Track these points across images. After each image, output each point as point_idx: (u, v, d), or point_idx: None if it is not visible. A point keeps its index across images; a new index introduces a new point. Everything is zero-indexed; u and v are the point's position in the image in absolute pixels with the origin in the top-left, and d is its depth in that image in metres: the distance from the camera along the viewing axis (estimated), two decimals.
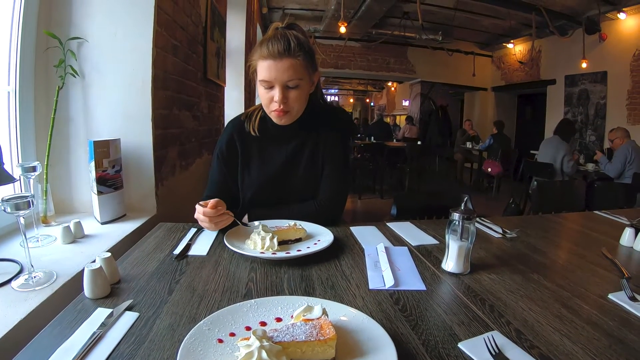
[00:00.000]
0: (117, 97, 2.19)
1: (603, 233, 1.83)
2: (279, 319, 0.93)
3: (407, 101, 14.72)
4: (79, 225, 1.78)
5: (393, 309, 1.03)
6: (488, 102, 13.20)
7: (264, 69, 1.54)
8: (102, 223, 2.00)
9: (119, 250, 1.49)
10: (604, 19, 8.28)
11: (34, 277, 1.30)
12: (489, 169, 8.51)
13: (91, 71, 2.14)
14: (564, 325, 0.97)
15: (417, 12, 6.77)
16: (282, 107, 1.56)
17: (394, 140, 11.30)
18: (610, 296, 1.13)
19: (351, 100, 27.48)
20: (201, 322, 0.87)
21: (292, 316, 0.91)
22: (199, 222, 1.50)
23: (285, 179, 1.77)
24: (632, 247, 1.62)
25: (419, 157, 8.79)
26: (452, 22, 9.73)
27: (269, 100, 1.59)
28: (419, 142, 9.78)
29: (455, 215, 1.25)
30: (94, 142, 1.92)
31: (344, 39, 10.69)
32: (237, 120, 1.79)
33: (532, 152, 9.72)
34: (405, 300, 1.08)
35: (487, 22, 10.12)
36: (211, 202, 1.45)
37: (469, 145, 10.33)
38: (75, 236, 1.74)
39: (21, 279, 1.29)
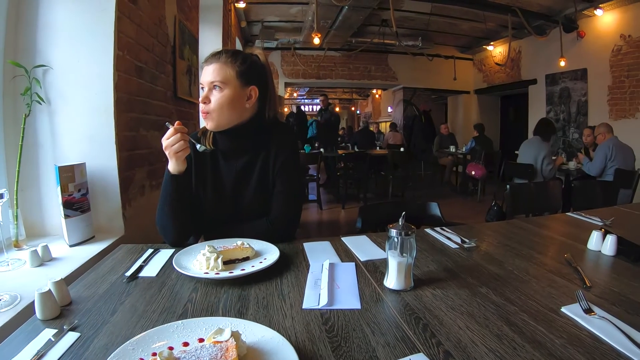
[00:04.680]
0: (81, 122, 2.22)
1: (571, 237, 1.81)
2: (201, 340, 0.94)
3: (392, 108, 14.74)
4: (46, 248, 1.81)
5: (320, 329, 1.00)
6: (471, 105, 13.21)
7: (201, 74, 1.70)
8: (71, 245, 2.02)
9: (83, 272, 1.49)
10: (581, 17, 8.32)
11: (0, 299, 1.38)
12: (473, 172, 8.49)
13: (57, 98, 2.18)
14: (502, 345, 0.92)
15: (392, 19, 6.74)
16: (204, 107, 1.65)
17: (377, 147, 11.27)
18: (563, 309, 1.09)
19: (337, 109, 27.48)
20: (127, 342, 0.89)
21: None
22: (172, 148, 1.55)
23: (237, 197, 1.76)
24: (599, 251, 1.58)
25: (402, 163, 8.75)
26: (429, 27, 9.75)
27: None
28: (401, 149, 9.71)
29: (393, 232, 1.20)
30: (59, 167, 1.96)
31: (324, 49, 10.70)
32: (194, 136, 1.78)
33: (516, 152, 9.74)
34: (335, 320, 1.05)
35: (465, 25, 10.16)
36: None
37: (452, 149, 10.31)
38: (43, 259, 1.78)
39: None
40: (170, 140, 1.52)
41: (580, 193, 3.58)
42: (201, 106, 1.65)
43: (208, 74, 1.64)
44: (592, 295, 1.17)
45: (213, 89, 1.64)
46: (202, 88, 1.67)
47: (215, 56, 1.65)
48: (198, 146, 1.64)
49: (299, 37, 10.22)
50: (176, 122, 1.54)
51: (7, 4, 2.04)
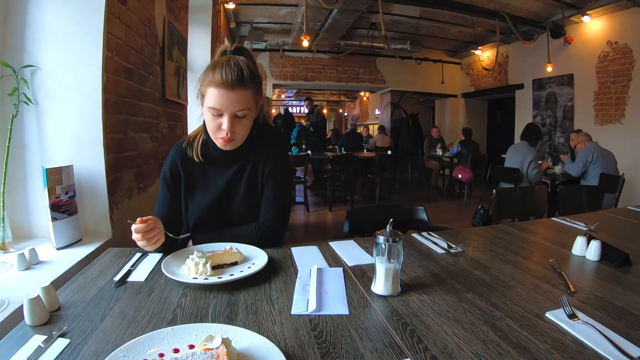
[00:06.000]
0: (69, 123, 2.20)
1: (556, 242, 1.82)
2: (191, 346, 0.94)
3: (379, 110, 14.75)
4: (33, 252, 1.80)
5: (309, 335, 1.01)
6: (458, 108, 13.29)
7: (215, 96, 1.51)
8: (58, 248, 2.01)
9: (70, 275, 1.48)
10: (569, 23, 8.42)
11: None
12: (459, 175, 8.55)
13: (44, 99, 2.15)
14: (487, 350, 0.93)
15: (381, 23, 6.75)
16: (229, 135, 1.55)
17: (365, 150, 11.29)
18: (547, 315, 1.10)
19: (325, 111, 27.46)
20: (118, 349, 0.90)
21: None
22: (137, 243, 1.46)
23: (227, 203, 1.75)
24: (584, 257, 1.60)
25: (389, 166, 8.78)
26: (418, 31, 9.79)
27: (216, 127, 1.56)
28: (388, 152, 9.72)
29: (380, 238, 1.21)
30: (47, 169, 1.94)
31: (312, 51, 10.70)
32: (179, 147, 1.76)
33: (502, 156, 9.81)
34: (324, 326, 1.05)
35: (454, 30, 10.23)
36: (141, 218, 1.42)
37: (439, 152, 10.36)
38: (30, 262, 1.77)
39: None
40: (136, 239, 1.45)
41: (566, 197, 3.61)
42: (223, 134, 1.55)
43: (233, 102, 1.51)
44: (576, 301, 1.19)
45: (237, 116, 1.55)
46: (220, 115, 1.54)
47: (234, 76, 1.49)
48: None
49: (288, 39, 10.18)
50: (137, 220, 1.43)
51: None
